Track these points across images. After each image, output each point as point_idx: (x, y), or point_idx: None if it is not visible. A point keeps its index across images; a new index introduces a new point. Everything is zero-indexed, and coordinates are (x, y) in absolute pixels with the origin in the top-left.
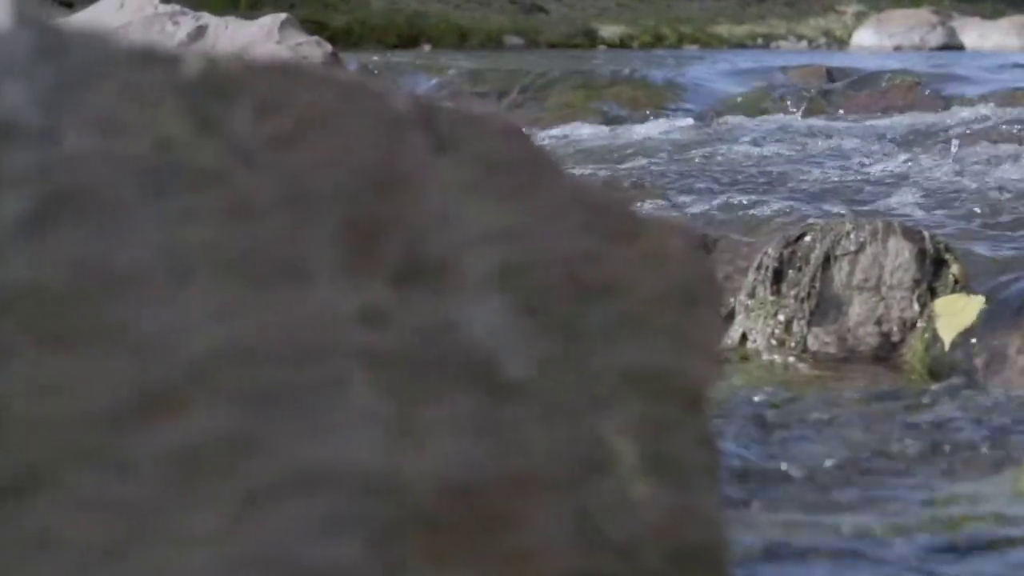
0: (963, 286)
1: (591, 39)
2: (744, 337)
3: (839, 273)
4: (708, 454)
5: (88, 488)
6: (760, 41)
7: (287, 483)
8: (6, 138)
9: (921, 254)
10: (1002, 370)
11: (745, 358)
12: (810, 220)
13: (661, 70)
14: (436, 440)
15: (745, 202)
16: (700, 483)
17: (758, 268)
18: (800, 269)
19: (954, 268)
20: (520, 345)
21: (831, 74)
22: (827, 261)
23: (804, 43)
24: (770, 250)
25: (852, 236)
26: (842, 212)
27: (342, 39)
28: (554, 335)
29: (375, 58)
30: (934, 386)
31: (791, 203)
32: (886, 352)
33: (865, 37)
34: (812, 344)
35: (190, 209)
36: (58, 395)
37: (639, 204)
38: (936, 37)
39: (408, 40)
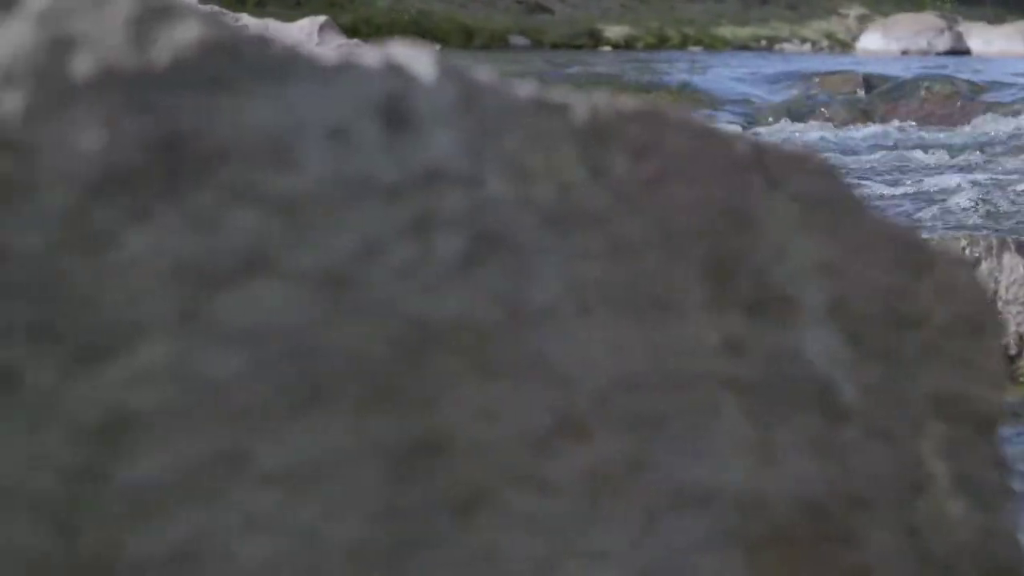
0: None
1: (595, 40)
2: None
3: None
4: (1003, 476)
5: (521, 506)
6: (764, 43)
7: (676, 502)
8: (439, 181)
9: None
10: None
11: None
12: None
13: (689, 75)
14: (789, 461)
15: None
16: (1001, 503)
17: None
18: None
19: None
20: (849, 372)
21: (868, 82)
22: None
23: (808, 46)
24: None
25: (967, 252)
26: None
27: (347, 37)
28: (874, 363)
29: None
30: None
31: None
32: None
33: (871, 41)
34: None
35: (585, 249)
36: (495, 420)
37: None
38: (943, 42)
39: (414, 39)
